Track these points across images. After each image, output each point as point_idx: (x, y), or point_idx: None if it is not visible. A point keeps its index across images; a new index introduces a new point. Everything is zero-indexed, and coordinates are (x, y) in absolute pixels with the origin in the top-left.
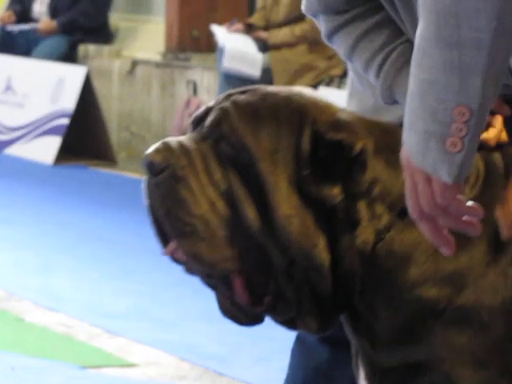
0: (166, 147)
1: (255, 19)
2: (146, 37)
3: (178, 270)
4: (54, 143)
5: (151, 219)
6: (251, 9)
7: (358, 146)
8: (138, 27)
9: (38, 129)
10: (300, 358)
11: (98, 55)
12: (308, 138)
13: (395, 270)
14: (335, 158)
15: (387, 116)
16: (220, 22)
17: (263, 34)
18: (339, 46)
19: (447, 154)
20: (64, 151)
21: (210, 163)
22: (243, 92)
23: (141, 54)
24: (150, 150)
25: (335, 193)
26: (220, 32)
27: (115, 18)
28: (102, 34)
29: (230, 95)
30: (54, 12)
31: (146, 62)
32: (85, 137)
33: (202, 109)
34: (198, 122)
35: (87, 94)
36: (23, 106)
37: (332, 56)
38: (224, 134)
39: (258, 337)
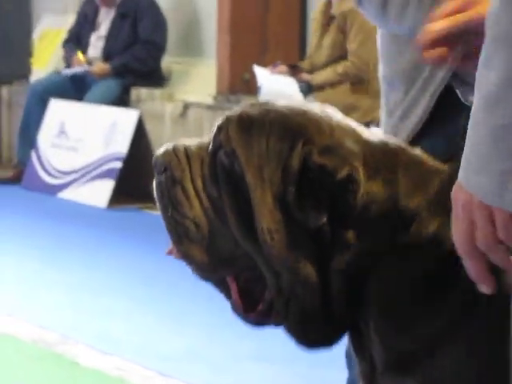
0: (172, 149)
1: (304, 65)
2: (198, 80)
3: (230, 312)
4: (107, 186)
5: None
6: (302, 52)
7: (343, 172)
8: (190, 70)
9: (91, 172)
10: (350, 372)
11: (150, 98)
12: (297, 157)
13: (381, 302)
14: (321, 181)
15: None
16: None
17: (306, 76)
18: None
19: None
20: (117, 194)
21: (206, 169)
22: (254, 105)
23: (192, 97)
24: (160, 149)
25: (318, 215)
26: (261, 72)
27: (167, 62)
28: (155, 77)
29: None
30: (107, 56)
31: (198, 105)
32: (137, 179)
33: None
34: None
35: (140, 138)
36: (76, 150)
37: (375, 95)
38: (221, 142)
39: (313, 378)
